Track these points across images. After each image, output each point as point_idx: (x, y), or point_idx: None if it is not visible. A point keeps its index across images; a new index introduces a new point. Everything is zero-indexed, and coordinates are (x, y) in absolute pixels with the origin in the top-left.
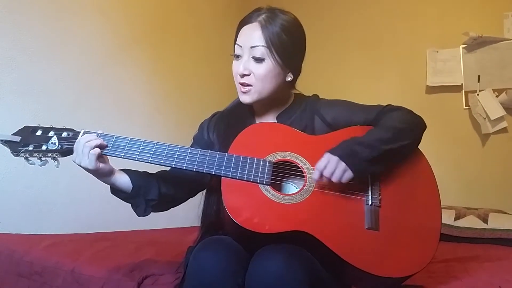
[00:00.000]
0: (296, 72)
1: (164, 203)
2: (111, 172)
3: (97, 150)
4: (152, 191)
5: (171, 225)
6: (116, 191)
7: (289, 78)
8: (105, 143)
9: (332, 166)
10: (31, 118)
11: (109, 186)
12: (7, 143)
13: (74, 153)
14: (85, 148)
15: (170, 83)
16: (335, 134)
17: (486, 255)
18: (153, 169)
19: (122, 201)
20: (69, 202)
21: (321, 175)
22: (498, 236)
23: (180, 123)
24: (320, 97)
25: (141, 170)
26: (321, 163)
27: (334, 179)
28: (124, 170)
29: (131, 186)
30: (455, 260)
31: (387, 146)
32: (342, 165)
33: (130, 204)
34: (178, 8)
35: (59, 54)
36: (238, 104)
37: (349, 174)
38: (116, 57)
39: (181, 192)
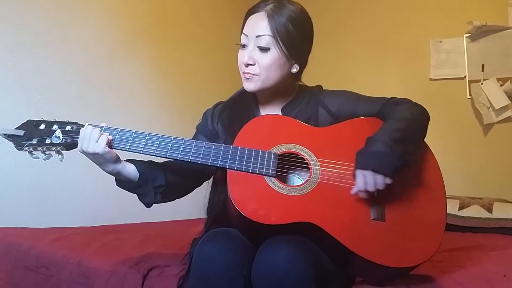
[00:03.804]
0: (302, 64)
1: (172, 191)
2: (117, 158)
3: (106, 133)
4: (159, 178)
5: (176, 217)
6: (122, 182)
7: (294, 70)
8: (110, 137)
9: (371, 180)
10: (34, 113)
11: (114, 178)
12: (10, 137)
13: (80, 141)
14: (93, 133)
15: (172, 76)
16: (340, 126)
17: (490, 244)
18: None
19: (127, 194)
20: (75, 196)
21: (367, 192)
22: (503, 225)
23: (183, 116)
24: (323, 88)
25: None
26: (359, 183)
27: (380, 187)
28: (128, 160)
29: (138, 174)
30: (460, 249)
31: (409, 147)
32: (378, 175)
33: (136, 195)
34: (178, 1)
35: (61, 49)
36: (242, 94)
37: (388, 180)
38: (117, 51)
39: (187, 181)
